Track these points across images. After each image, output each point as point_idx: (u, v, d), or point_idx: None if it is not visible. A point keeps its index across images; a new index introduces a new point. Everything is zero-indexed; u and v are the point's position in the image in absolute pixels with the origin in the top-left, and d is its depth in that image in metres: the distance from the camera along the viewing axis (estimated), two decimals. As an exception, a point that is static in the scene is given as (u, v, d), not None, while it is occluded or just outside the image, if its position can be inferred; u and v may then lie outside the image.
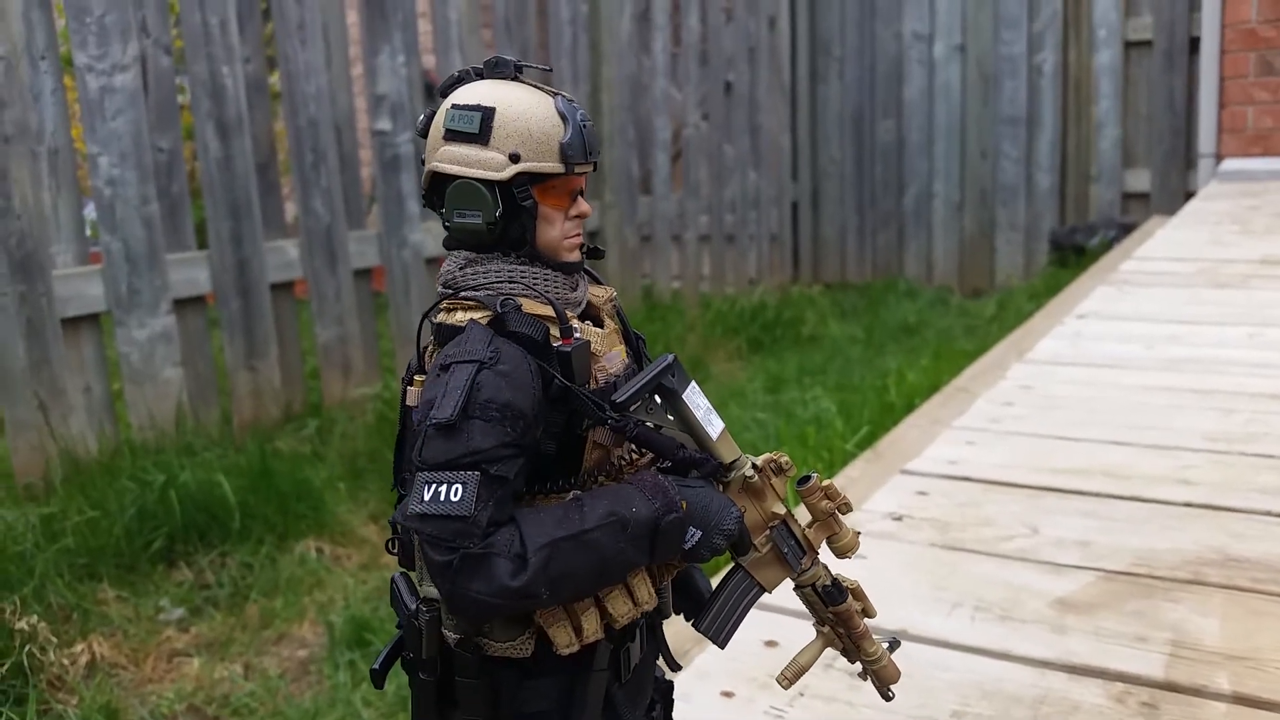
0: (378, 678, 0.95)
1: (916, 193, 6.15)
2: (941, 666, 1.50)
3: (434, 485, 0.80)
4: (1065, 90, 5.85)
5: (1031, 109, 5.88)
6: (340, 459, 3.62)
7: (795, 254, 6.37)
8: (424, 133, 0.94)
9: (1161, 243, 4.04)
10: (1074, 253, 5.54)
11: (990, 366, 3.33)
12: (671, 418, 0.90)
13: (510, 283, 0.90)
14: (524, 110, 0.90)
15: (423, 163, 0.94)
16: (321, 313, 3.93)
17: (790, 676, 0.96)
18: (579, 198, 0.94)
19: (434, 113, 0.94)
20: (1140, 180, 5.76)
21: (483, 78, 0.93)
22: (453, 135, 0.90)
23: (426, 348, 0.93)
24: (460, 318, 0.89)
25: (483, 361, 0.83)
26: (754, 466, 0.93)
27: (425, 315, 0.93)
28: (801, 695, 1.44)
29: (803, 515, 0.97)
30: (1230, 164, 5.23)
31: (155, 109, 3.42)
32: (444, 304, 0.92)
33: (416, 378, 0.92)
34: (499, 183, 0.89)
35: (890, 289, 5.82)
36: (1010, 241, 5.95)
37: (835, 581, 0.97)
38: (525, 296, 0.89)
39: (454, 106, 0.91)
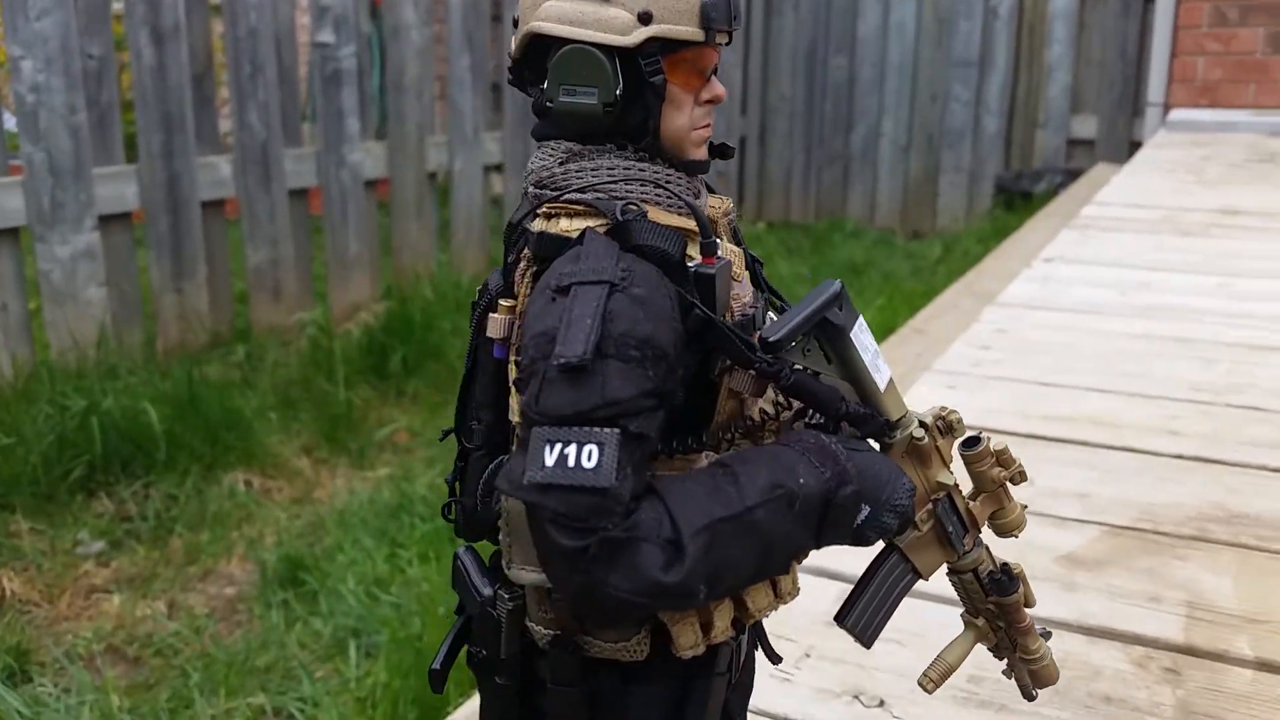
0: (437, 681, 0.78)
1: (864, 132, 6.04)
2: (951, 626, 1.41)
3: (559, 445, 0.62)
4: (1019, 33, 5.77)
5: (984, 51, 5.79)
6: (272, 388, 3.44)
7: (740, 191, 6.24)
8: None
9: (1118, 189, 4.01)
10: (1020, 198, 5.50)
11: (945, 308, 3.26)
12: (830, 362, 0.74)
13: (630, 182, 0.72)
14: None
15: (515, 23, 0.75)
16: (253, 234, 3.72)
17: (936, 679, 0.82)
18: (713, 77, 0.76)
19: None
20: (1087, 127, 5.73)
21: None
22: None
23: (516, 262, 0.74)
24: (567, 225, 0.71)
25: (613, 283, 0.65)
26: (920, 424, 0.77)
27: (517, 222, 0.74)
28: (808, 656, 1.34)
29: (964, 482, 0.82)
30: (1178, 114, 5.22)
31: (85, 12, 3.16)
32: (542, 208, 0.73)
33: (501, 302, 0.73)
34: (622, 50, 0.71)
35: (836, 229, 5.73)
36: (954, 184, 5.89)
37: (1005, 567, 0.81)
38: (653, 202, 0.71)
39: None
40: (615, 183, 0.72)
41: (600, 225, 0.70)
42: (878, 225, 5.92)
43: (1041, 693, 1.30)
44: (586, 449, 0.61)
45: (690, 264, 0.69)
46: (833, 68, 6.09)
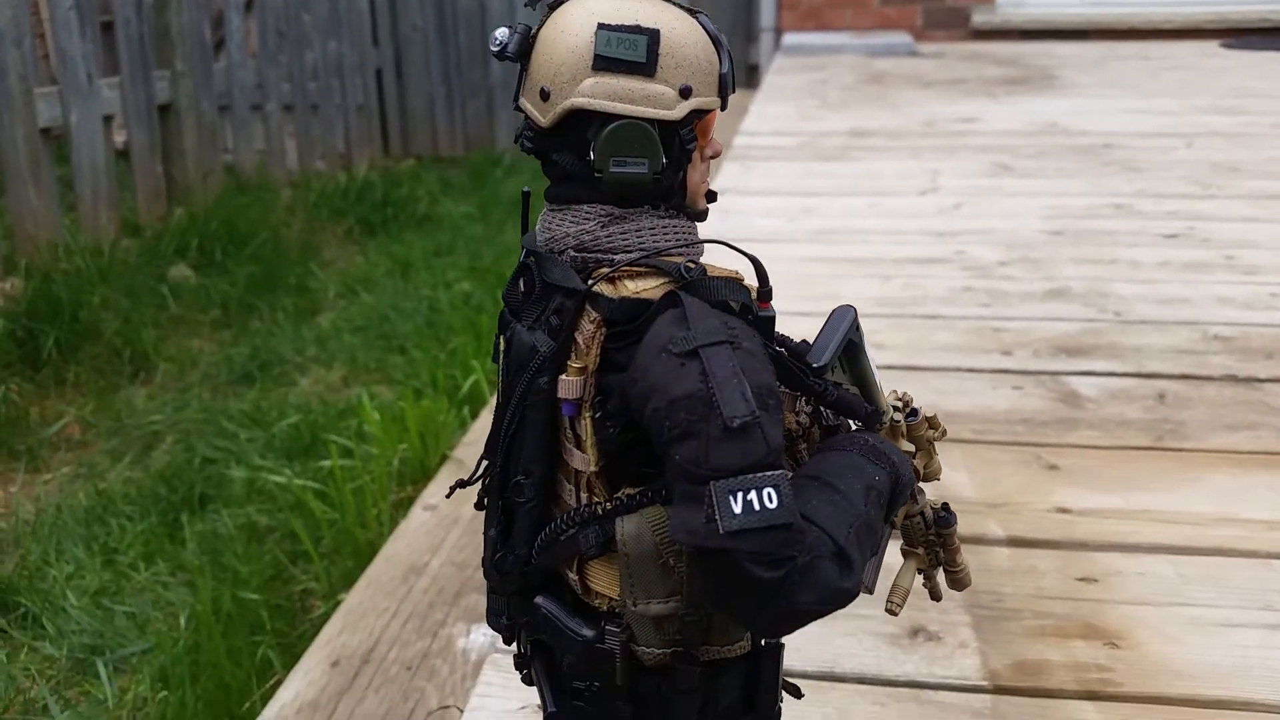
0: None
1: (504, 63, 6.06)
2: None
3: (741, 494, 0.67)
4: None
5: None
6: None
7: (384, 125, 6.08)
8: (520, 54, 0.76)
9: (758, 118, 4.34)
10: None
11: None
12: (845, 373, 0.84)
13: (681, 243, 0.78)
14: (686, 35, 0.76)
15: (543, 94, 0.76)
16: None
17: (900, 601, 0.93)
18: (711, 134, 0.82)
19: (529, 29, 0.76)
20: (708, 53, 6.11)
21: None
22: (609, 64, 0.73)
23: (565, 324, 0.76)
24: (635, 287, 0.75)
25: (730, 341, 0.70)
26: (894, 409, 0.89)
27: (582, 287, 0.76)
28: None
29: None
30: (790, 38, 5.69)
31: None
32: (600, 271, 0.76)
33: (571, 364, 0.75)
34: (665, 122, 0.75)
35: (491, 162, 5.75)
36: (594, 112, 6.09)
37: (945, 506, 0.95)
38: (701, 257, 0.79)
39: (606, 28, 0.74)
40: (674, 244, 0.78)
41: (667, 284, 0.75)
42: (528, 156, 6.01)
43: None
44: (765, 492, 0.67)
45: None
46: (461, -2, 6.04)
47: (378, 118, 6.04)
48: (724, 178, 3.51)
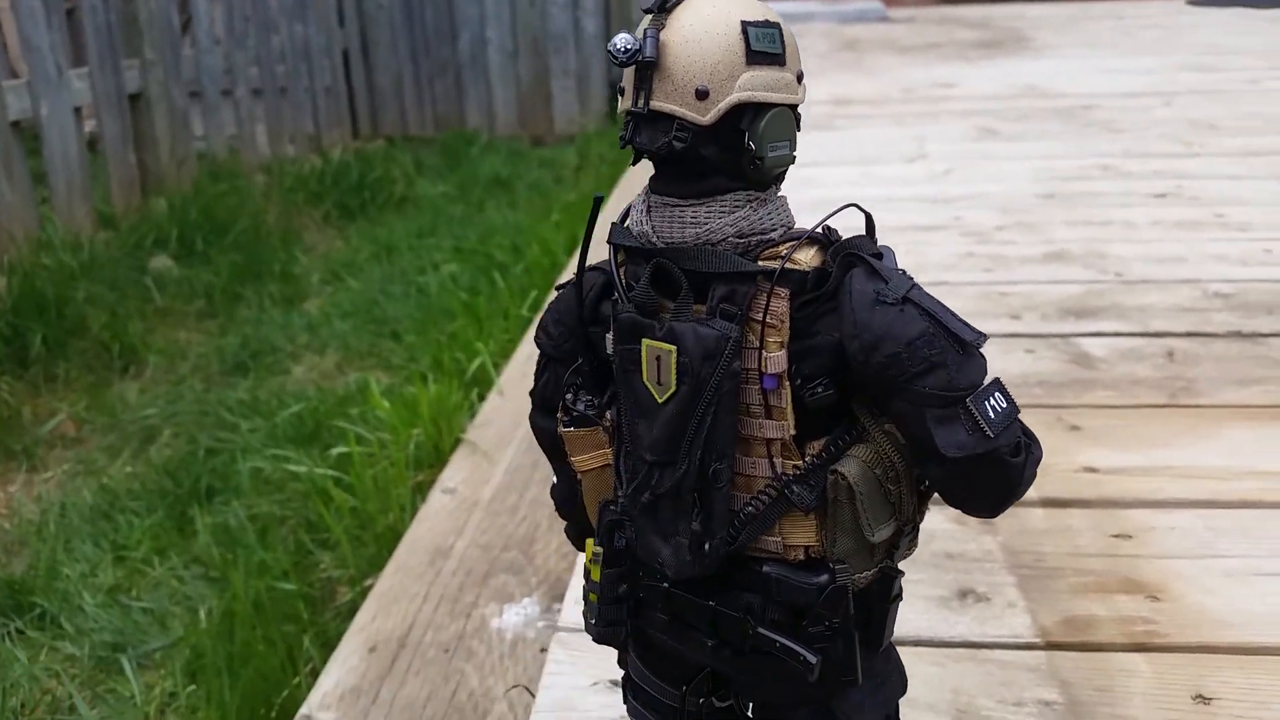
0: (818, 666, 0.84)
1: (470, 39, 6.02)
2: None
3: (987, 401, 0.76)
4: (604, -66, 5.96)
5: (573, -47, 5.94)
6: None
7: (352, 106, 6.01)
8: (651, 59, 0.76)
9: (737, 87, 4.34)
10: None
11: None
12: None
13: (828, 214, 0.82)
14: (787, 28, 0.81)
15: (701, 93, 0.77)
16: None
17: None
18: None
19: (657, 31, 0.77)
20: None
21: None
22: (759, 58, 0.77)
23: (739, 308, 0.78)
24: (806, 258, 0.79)
25: (916, 283, 0.78)
26: None
27: (760, 269, 0.79)
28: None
29: None
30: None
31: None
32: (765, 252, 0.79)
33: (769, 340, 0.78)
34: (793, 107, 0.80)
35: (464, 141, 5.71)
36: (565, 88, 6.06)
37: None
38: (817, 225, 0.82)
39: (751, 25, 0.77)
40: (830, 215, 0.83)
41: (820, 250, 0.80)
42: (499, 133, 5.97)
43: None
44: (997, 394, 0.77)
45: None
46: (428, -25, 5.98)
47: (346, 99, 5.98)
48: (712, 150, 3.51)
